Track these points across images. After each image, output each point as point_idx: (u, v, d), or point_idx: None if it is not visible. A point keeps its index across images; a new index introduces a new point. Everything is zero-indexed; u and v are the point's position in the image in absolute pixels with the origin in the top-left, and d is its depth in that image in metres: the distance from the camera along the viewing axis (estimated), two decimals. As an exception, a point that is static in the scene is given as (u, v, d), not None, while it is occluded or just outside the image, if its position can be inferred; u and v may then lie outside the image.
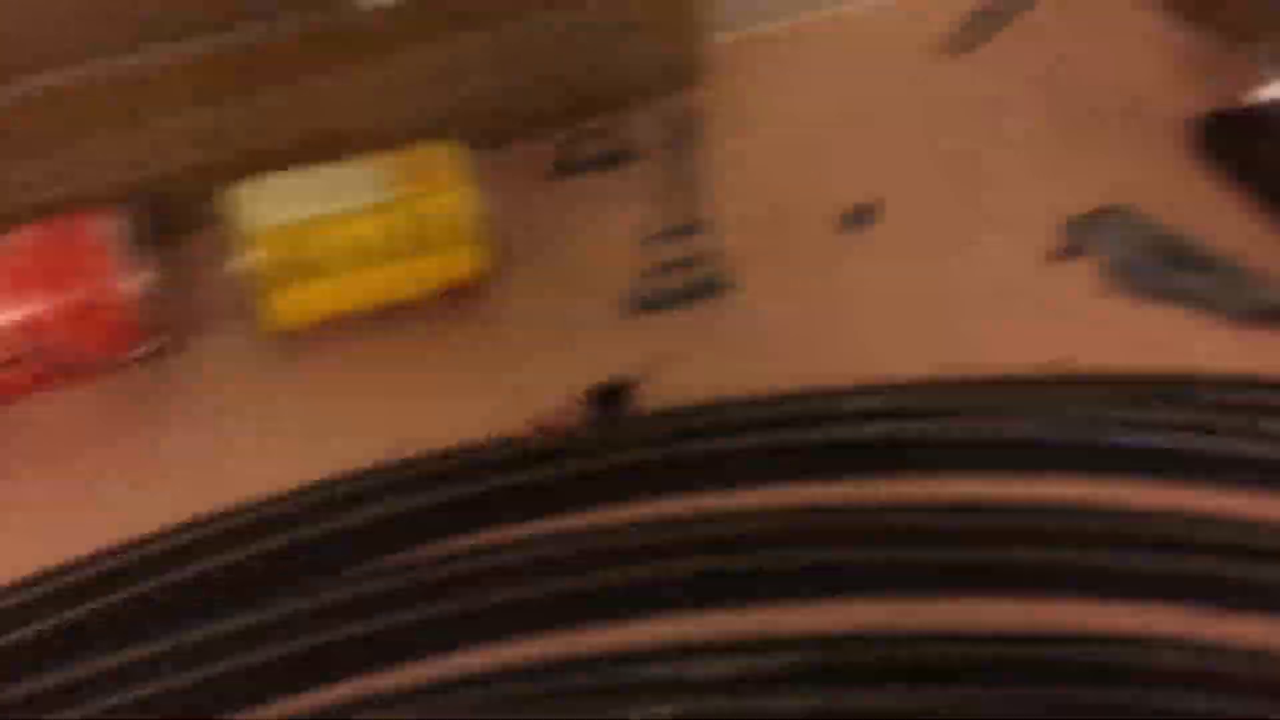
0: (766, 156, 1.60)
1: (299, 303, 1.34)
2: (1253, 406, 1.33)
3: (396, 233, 1.35)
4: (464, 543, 1.26)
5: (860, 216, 1.55)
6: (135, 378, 1.34)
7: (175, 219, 1.38)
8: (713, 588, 1.22)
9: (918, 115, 1.67)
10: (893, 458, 1.32)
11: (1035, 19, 1.78)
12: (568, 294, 1.50)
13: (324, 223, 1.31)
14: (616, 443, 1.30)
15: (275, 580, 1.20)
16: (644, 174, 1.60)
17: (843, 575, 1.23)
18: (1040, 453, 1.32)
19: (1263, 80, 1.60)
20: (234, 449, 1.31)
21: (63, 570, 1.19)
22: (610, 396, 1.34)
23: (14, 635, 1.11)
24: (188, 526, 1.22)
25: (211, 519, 1.24)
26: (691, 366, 1.41)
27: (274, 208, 1.31)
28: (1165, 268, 1.45)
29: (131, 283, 1.24)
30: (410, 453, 1.31)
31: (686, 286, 1.47)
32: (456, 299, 1.44)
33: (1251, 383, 1.35)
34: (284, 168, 1.37)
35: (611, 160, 1.65)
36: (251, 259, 1.30)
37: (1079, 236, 1.50)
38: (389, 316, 1.42)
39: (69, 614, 1.15)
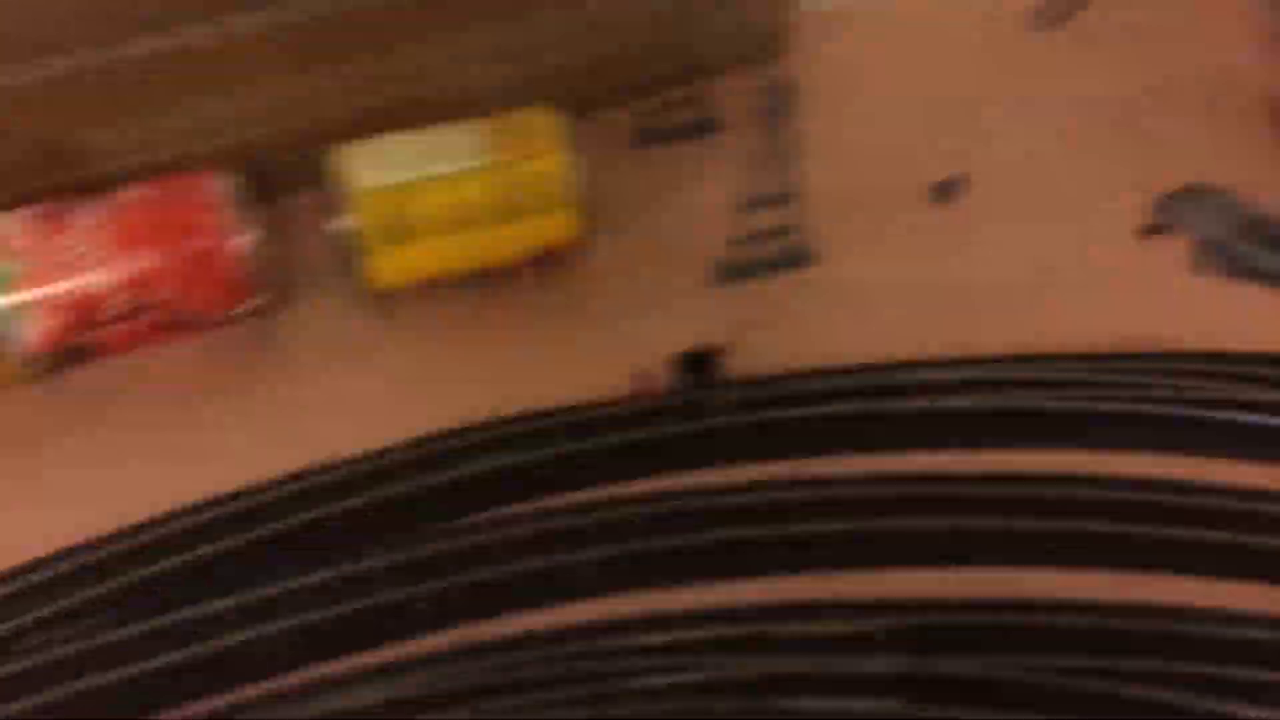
0: (855, 128, 1.61)
1: (399, 263, 1.37)
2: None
3: (495, 197, 1.37)
4: (555, 501, 1.28)
5: (948, 190, 1.56)
6: (240, 333, 1.38)
7: (279, 180, 1.42)
8: (799, 553, 1.23)
9: (1005, 89, 1.67)
10: (980, 429, 1.34)
11: (1122, -6, 1.77)
12: (657, 261, 1.52)
13: (425, 186, 1.35)
14: (705, 407, 1.32)
15: (371, 533, 1.23)
16: (731, 143, 1.61)
17: (930, 544, 1.25)
18: (1128, 428, 1.32)
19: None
20: (334, 404, 1.35)
21: (159, 520, 1.22)
22: (699, 363, 1.36)
23: (135, 574, 1.15)
24: (294, 477, 1.25)
25: (314, 472, 1.28)
26: (779, 335, 1.43)
27: (377, 170, 1.34)
28: (1255, 247, 1.45)
29: (240, 241, 1.27)
30: (504, 413, 1.33)
31: (775, 256, 1.49)
32: (548, 264, 1.46)
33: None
34: (384, 131, 1.40)
35: (698, 129, 1.66)
36: (354, 220, 1.33)
37: (1168, 214, 1.50)
38: (483, 279, 1.45)
39: (170, 561, 1.18)
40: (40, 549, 1.19)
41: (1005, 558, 1.21)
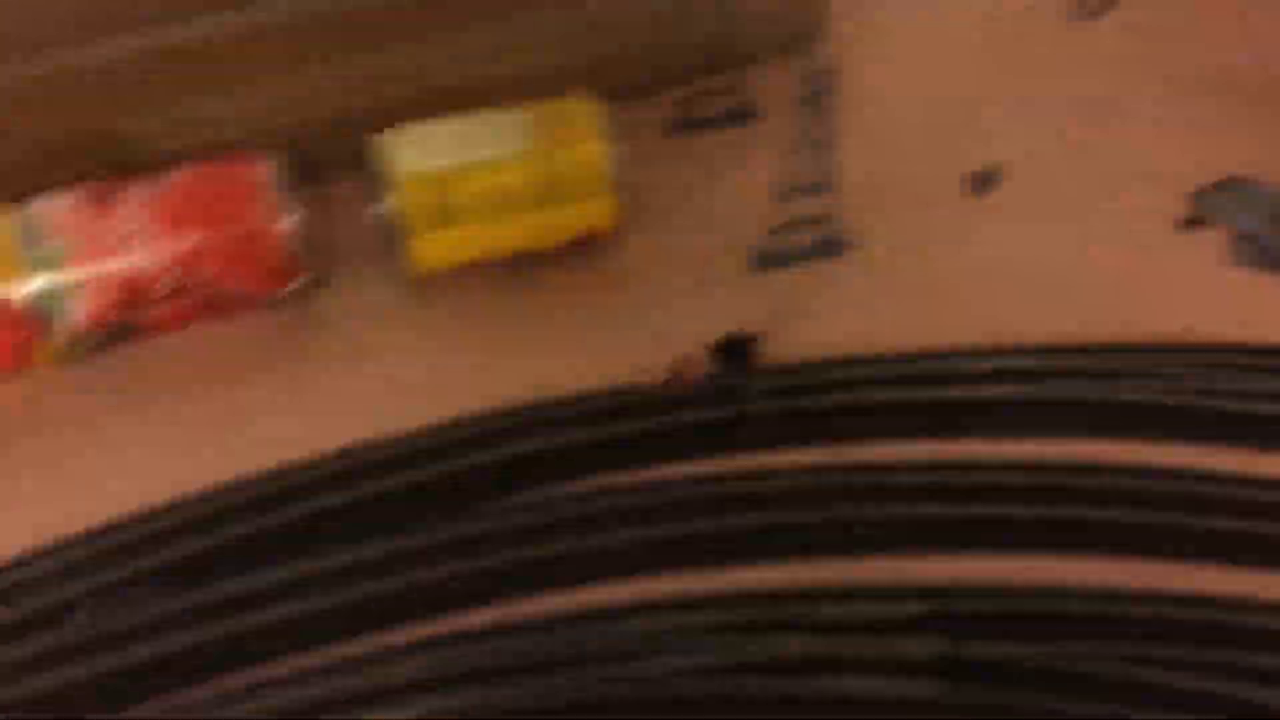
0: (891, 117, 1.61)
1: (440, 247, 1.38)
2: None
3: (535, 183, 1.39)
4: (591, 483, 1.29)
5: (985, 180, 1.56)
6: (282, 314, 1.39)
7: (322, 163, 1.43)
8: (834, 537, 1.24)
9: (1045, 80, 1.67)
10: (1016, 419, 1.34)
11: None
12: (693, 248, 1.53)
13: (467, 171, 1.36)
14: (740, 393, 1.33)
15: (412, 511, 1.24)
16: (768, 132, 1.62)
17: (965, 530, 1.25)
18: (1160, 418, 1.33)
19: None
20: (375, 385, 1.37)
21: (205, 496, 1.24)
22: (735, 349, 1.37)
23: (180, 549, 1.17)
24: (336, 456, 1.27)
25: (356, 451, 1.29)
26: (814, 322, 1.44)
27: (419, 155, 1.36)
28: (1294, 242, 1.46)
29: (285, 222, 1.29)
30: (541, 395, 1.34)
31: (812, 244, 1.50)
32: (586, 250, 1.48)
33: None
34: (426, 117, 1.42)
35: (735, 117, 1.67)
36: (397, 204, 1.34)
37: (1206, 207, 1.51)
38: (522, 264, 1.46)
39: (214, 537, 1.19)
40: (87, 523, 1.20)
41: (1041, 545, 1.22)
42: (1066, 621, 1.16)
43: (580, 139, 1.41)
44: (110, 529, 1.19)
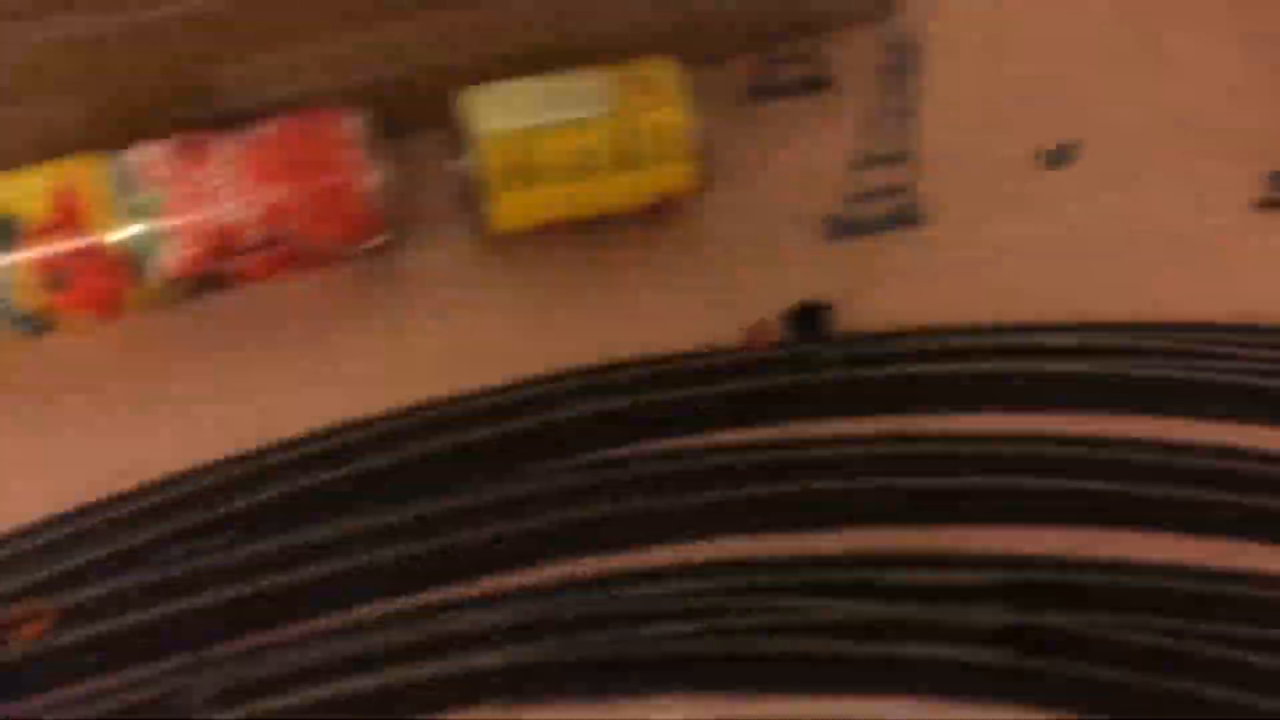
0: (969, 89, 1.60)
1: (519, 207, 1.39)
2: None
3: (616, 145, 1.39)
4: (660, 446, 1.31)
5: (1062, 154, 1.55)
6: (363, 269, 1.41)
7: (402, 119, 1.44)
8: (900, 505, 1.25)
9: (1124, 53, 1.65)
10: (1086, 394, 1.34)
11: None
12: (767, 215, 1.53)
13: (549, 132, 1.36)
14: (812, 362, 1.34)
15: (485, 467, 1.25)
16: (844, 100, 1.62)
17: (1028, 503, 1.26)
18: (1230, 399, 1.32)
19: None
20: (452, 341, 1.38)
21: (286, 444, 1.26)
22: (809, 317, 1.37)
23: (247, 500, 1.20)
24: (414, 410, 1.29)
25: (433, 406, 1.31)
26: (888, 292, 1.44)
27: (502, 114, 1.36)
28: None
29: (370, 177, 1.30)
30: (615, 357, 1.36)
31: (887, 214, 1.50)
32: (662, 214, 1.48)
33: None
34: (507, 75, 1.42)
35: (811, 85, 1.66)
36: (478, 162, 1.35)
37: (1286, 188, 1.49)
38: (598, 227, 1.47)
39: (292, 485, 1.22)
40: (168, 469, 1.23)
41: (1110, 520, 1.22)
42: (1135, 596, 1.16)
43: (661, 102, 1.41)
44: (191, 475, 1.22)
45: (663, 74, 1.45)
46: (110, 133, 1.32)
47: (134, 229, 1.27)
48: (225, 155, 1.30)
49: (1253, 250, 1.46)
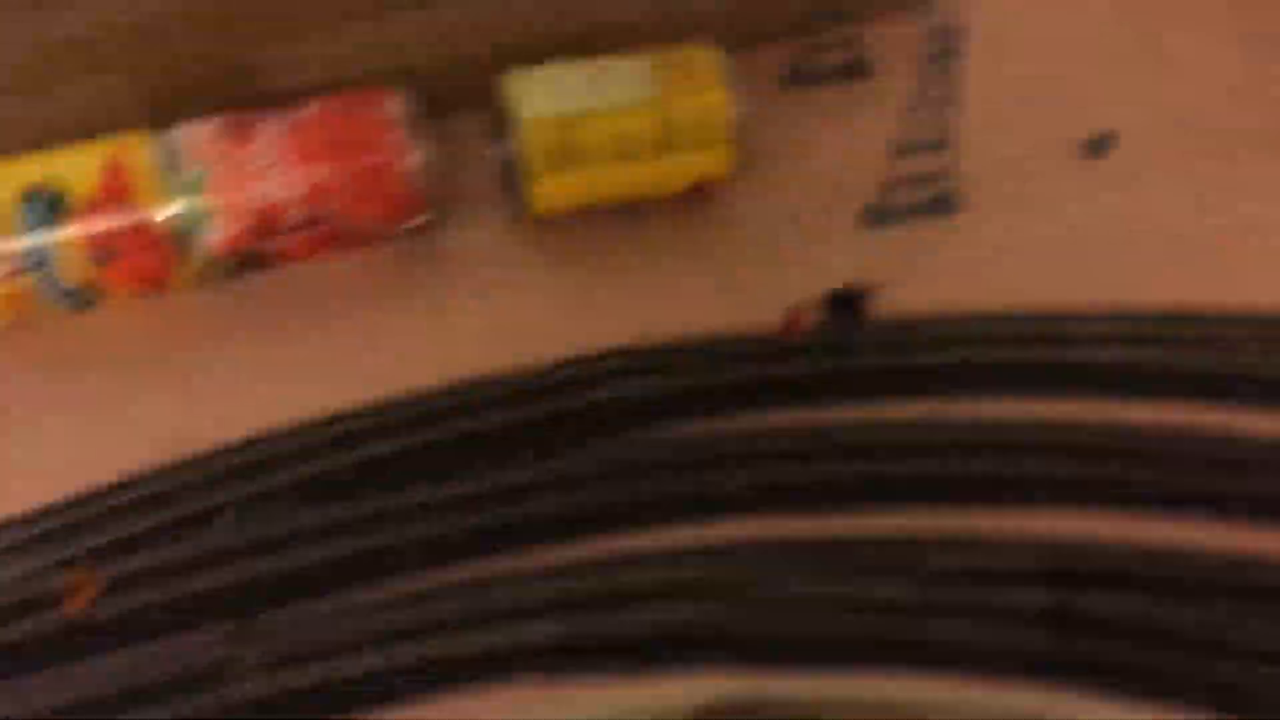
0: (1008, 77, 1.60)
1: (559, 190, 1.40)
2: None
3: (657, 129, 1.40)
4: (697, 426, 1.31)
5: (1100, 143, 1.55)
6: (404, 249, 1.42)
7: (443, 100, 1.45)
8: (941, 489, 1.25)
9: (1168, 44, 1.65)
10: (1122, 382, 1.34)
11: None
12: (805, 201, 1.53)
13: (590, 115, 1.37)
14: (849, 347, 1.34)
15: (515, 447, 1.26)
16: (883, 87, 1.62)
17: (1066, 488, 1.26)
18: (1270, 389, 1.32)
19: None
20: (491, 322, 1.39)
21: (328, 420, 1.27)
22: (846, 303, 1.38)
23: (307, 469, 1.21)
24: (452, 389, 1.30)
25: (473, 385, 1.32)
26: (925, 279, 1.44)
27: (544, 97, 1.37)
28: None
29: (412, 158, 1.31)
30: (652, 339, 1.36)
31: (924, 202, 1.50)
32: (699, 199, 1.49)
33: None
34: (550, 59, 1.43)
35: (849, 71, 1.67)
36: (518, 144, 1.36)
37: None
38: (636, 210, 1.47)
39: (336, 460, 1.23)
40: (217, 439, 1.24)
41: (1152, 505, 1.23)
42: (1176, 582, 1.17)
43: (703, 87, 1.42)
44: (246, 444, 1.23)
45: (704, 59, 1.45)
46: (157, 111, 1.33)
47: (179, 206, 1.28)
48: (270, 135, 1.31)
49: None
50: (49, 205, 1.20)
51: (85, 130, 1.28)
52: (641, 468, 1.20)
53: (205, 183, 1.24)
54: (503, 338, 1.32)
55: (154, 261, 1.25)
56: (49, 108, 1.31)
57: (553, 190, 1.38)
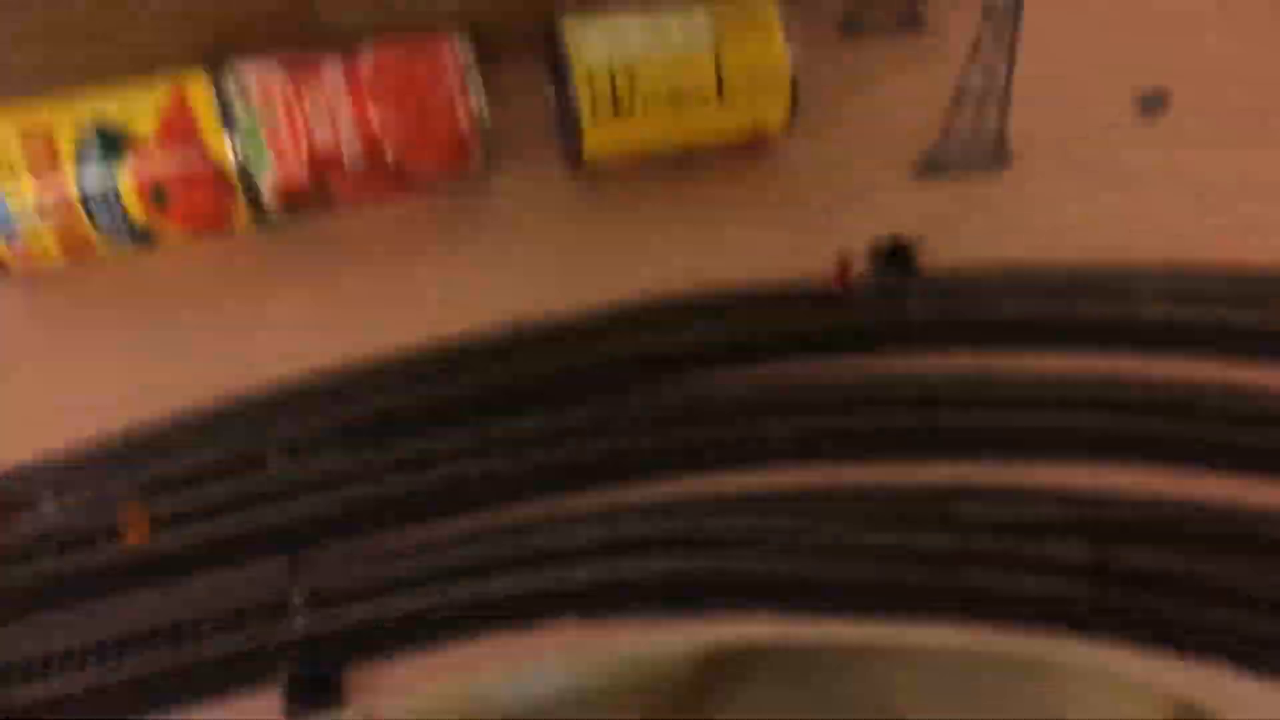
0: (1065, 33, 1.59)
1: (612, 138, 1.41)
2: None
3: (712, 78, 1.41)
4: (746, 374, 1.32)
5: (1154, 101, 1.54)
6: (455, 196, 1.43)
7: (497, 46, 1.45)
8: (983, 440, 1.25)
9: (1229, 2, 1.63)
10: (1169, 339, 1.34)
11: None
12: (857, 151, 1.54)
13: (647, 63, 1.38)
14: (898, 298, 1.34)
15: (564, 393, 1.28)
16: (934, 39, 1.61)
17: (1112, 442, 1.26)
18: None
19: None
20: (540, 269, 1.41)
21: (383, 361, 1.29)
22: (897, 254, 1.38)
23: (352, 411, 1.23)
24: (500, 336, 1.32)
25: (517, 332, 1.34)
26: (974, 232, 1.44)
27: (600, 45, 1.38)
28: None
29: (470, 105, 1.32)
30: (703, 287, 1.37)
31: (976, 155, 1.50)
32: (752, 148, 1.49)
33: None
34: (607, 5, 1.43)
35: (904, 22, 1.66)
36: (574, 92, 1.36)
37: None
38: (688, 160, 1.48)
39: (389, 400, 1.24)
40: (269, 379, 1.26)
41: (1191, 461, 1.23)
42: (1213, 537, 1.17)
43: (760, 38, 1.42)
44: (297, 385, 1.25)
45: (762, 8, 1.46)
46: (216, 51, 1.34)
47: (239, 147, 1.30)
48: (328, 78, 1.33)
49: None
50: (111, 144, 1.23)
51: (144, 71, 1.30)
52: (689, 415, 1.22)
53: (264, 124, 1.26)
54: (554, 284, 1.34)
55: (212, 201, 1.27)
56: (110, 49, 1.32)
57: (605, 139, 1.39)
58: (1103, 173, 1.50)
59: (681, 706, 1.28)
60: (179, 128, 1.30)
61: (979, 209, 1.48)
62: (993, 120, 1.50)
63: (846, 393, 1.30)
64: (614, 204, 1.48)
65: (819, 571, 1.16)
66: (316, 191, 1.35)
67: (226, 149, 1.30)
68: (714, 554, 1.16)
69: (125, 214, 1.30)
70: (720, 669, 1.29)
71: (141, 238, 1.33)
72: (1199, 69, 1.58)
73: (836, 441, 1.26)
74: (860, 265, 1.36)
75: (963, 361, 1.33)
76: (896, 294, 1.37)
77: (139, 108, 1.31)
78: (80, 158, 1.28)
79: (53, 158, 1.28)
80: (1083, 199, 1.47)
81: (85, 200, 1.29)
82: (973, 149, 1.53)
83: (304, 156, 1.33)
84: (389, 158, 1.35)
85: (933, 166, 1.52)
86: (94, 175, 1.28)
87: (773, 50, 1.42)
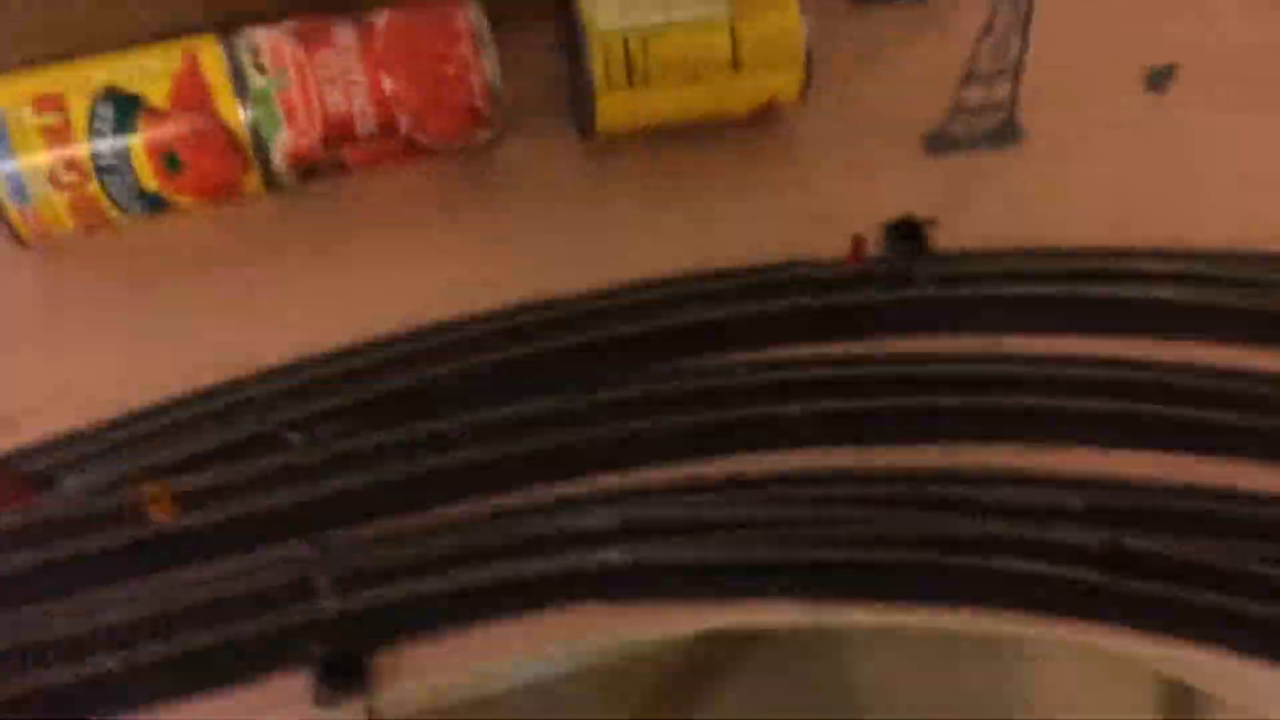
0: (1072, 6, 1.59)
1: (625, 108, 1.39)
2: None
3: (727, 49, 1.38)
4: (749, 356, 1.32)
5: (1164, 75, 1.54)
6: (465, 165, 1.41)
7: (505, 10, 1.42)
8: (993, 424, 1.26)
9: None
10: (1181, 321, 1.35)
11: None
12: (866, 126, 1.52)
13: (663, 32, 1.35)
14: (908, 277, 1.35)
15: (585, 370, 1.27)
16: (946, 9, 1.60)
17: (1122, 425, 1.27)
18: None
19: None
20: (550, 243, 1.39)
21: (398, 336, 1.28)
22: (909, 232, 1.38)
23: (358, 392, 1.22)
24: (510, 312, 1.30)
25: (527, 307, 1.32)
26: (984, 210, 1.44)
27: (614, 11, 1.35)
28: None
29: (484, 72, 1.30)
30: (714, 264, 1.37)
31: (987, 131, 1.50)
32: (761, 121, 1.48)
33: None
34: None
35: (914, -8, 1.65)
36: (587, 61, 1.34)
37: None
38: (697, 132, 1.46)
39: (404, 378, 1.23)
40: (281, 354, 1.25)
41: (1204, 446, 1.24)
42: (1229, 522, 1.19)
43: (775, 7, 1.40)
44: (311, 361, 1.24)
45: (774, -22, 1.43)
46: (227, 14, 1.31)
47: (253, 112, 1.27)
48: (342, 43, 1.30)
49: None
50: (124, 109, 1.20)
51: (153, 33, 1.27)
52: (700, 396, 1.22)
53: (278, 89, 1.23)
54: (564, 259, 1.33)
55: (225, 167, 1.24)
56: (119, 10, 1.29)
57: (618, 109, 1.37)
58: (1113, 150, 1.49)
59: (673, 690, 1.30)
60: (192, 93, 1.27)
61: (989, 186, 1.47)
62: (1003, 96, 1.50)
63: (857, 373, 1.30)
64: (625, 177, 1.46)
65: (834, 556, 1.17)
66: (329, 157, 1.33)
67: (239, 114, 1.27)
68: (733, 538, 1.16)
69: (138, 180, 1.27)
70: (711, 654, 1.30)
71: (154, 204, 1.30)
72: (1211, 46, 1.57)
73: (847, 425, 1.26)
74: (873, 243, 1.37)
75: (972, 344, 1.33)
76: (909, 273, 1.37)
77: (151, 73, 1.27)
78: (93, 123, 1.25)
79: (65, 124, 1.25)
80: (1092, 177, 1.47)
81: (98, 167, 1.26)
82: (982, 126, 1.52)
83: (318, 122, 1.30)
84: (402, 124, 1.32)
85: (941, 142, 1.52)
86: (107, 141, 1.25)
87: (789, 21, 1.40)
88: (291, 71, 1.27)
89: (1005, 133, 1.51)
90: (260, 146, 1.29)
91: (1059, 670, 1.35)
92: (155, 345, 1.27)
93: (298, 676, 1.05)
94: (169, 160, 1.25)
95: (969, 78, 1.47)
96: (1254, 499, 1.20)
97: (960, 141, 1.50)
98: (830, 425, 1.25)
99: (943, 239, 1.40)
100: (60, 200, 1.26)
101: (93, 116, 1.25)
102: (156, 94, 1.26)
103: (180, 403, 1.21)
